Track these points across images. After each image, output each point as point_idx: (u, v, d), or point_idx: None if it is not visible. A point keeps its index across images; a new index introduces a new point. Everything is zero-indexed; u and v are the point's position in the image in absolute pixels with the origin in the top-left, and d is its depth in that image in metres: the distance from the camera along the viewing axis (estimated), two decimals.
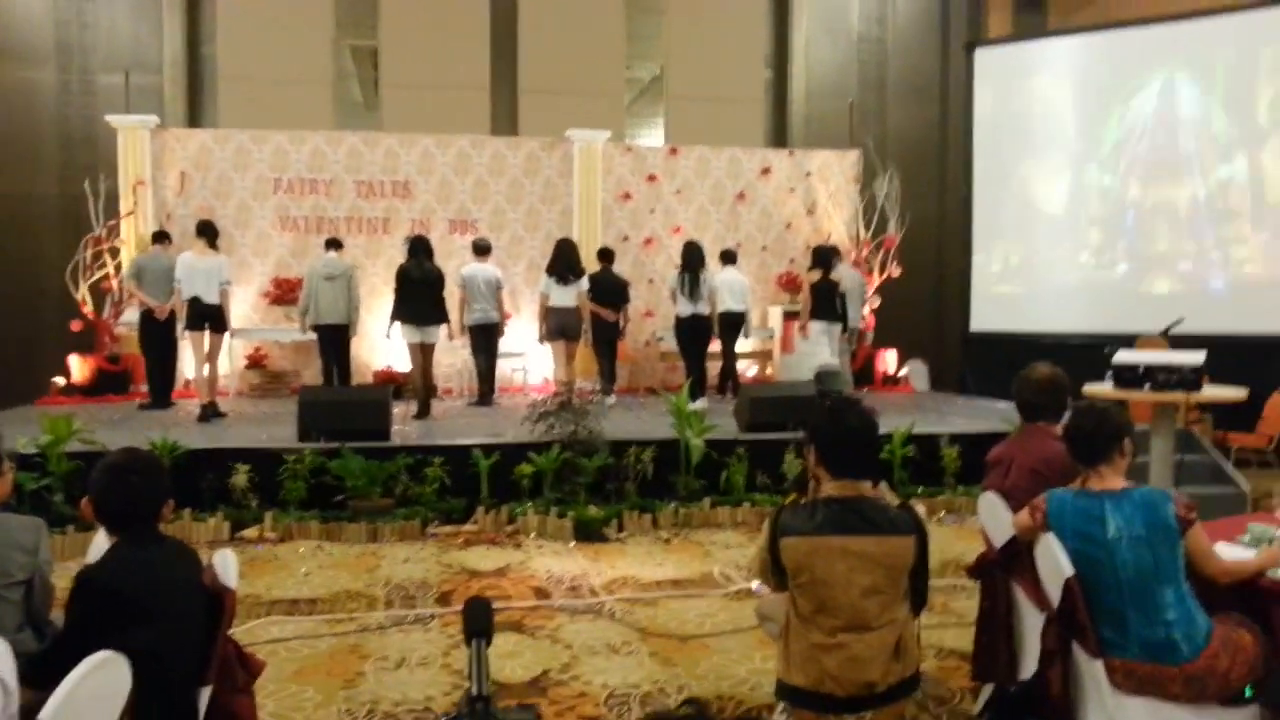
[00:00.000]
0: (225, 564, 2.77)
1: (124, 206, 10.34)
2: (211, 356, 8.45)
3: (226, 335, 8.70)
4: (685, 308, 9.41)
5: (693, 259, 9.44)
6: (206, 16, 12.17)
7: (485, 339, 9.38)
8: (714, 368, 10.16)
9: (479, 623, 1.78)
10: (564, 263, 9.22)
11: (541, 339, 9.40)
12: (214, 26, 12.06)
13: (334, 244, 9.09)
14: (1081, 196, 11.28)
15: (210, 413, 8.26)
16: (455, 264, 9.86)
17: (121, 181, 10.38)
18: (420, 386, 8.69)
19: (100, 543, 2.93)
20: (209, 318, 8.31)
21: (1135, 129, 10.87)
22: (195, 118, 12.15)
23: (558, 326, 9.19)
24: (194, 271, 8.27)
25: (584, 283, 9.24)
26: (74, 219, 10.88)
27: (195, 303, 8.25)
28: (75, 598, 2.51)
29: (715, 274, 9.66)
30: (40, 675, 2.23)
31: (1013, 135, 11.76)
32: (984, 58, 12.05)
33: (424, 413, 8.54)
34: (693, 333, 9.50)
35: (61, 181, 11.60)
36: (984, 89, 11.98)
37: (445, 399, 10.20)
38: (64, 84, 11.83)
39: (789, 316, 10.88)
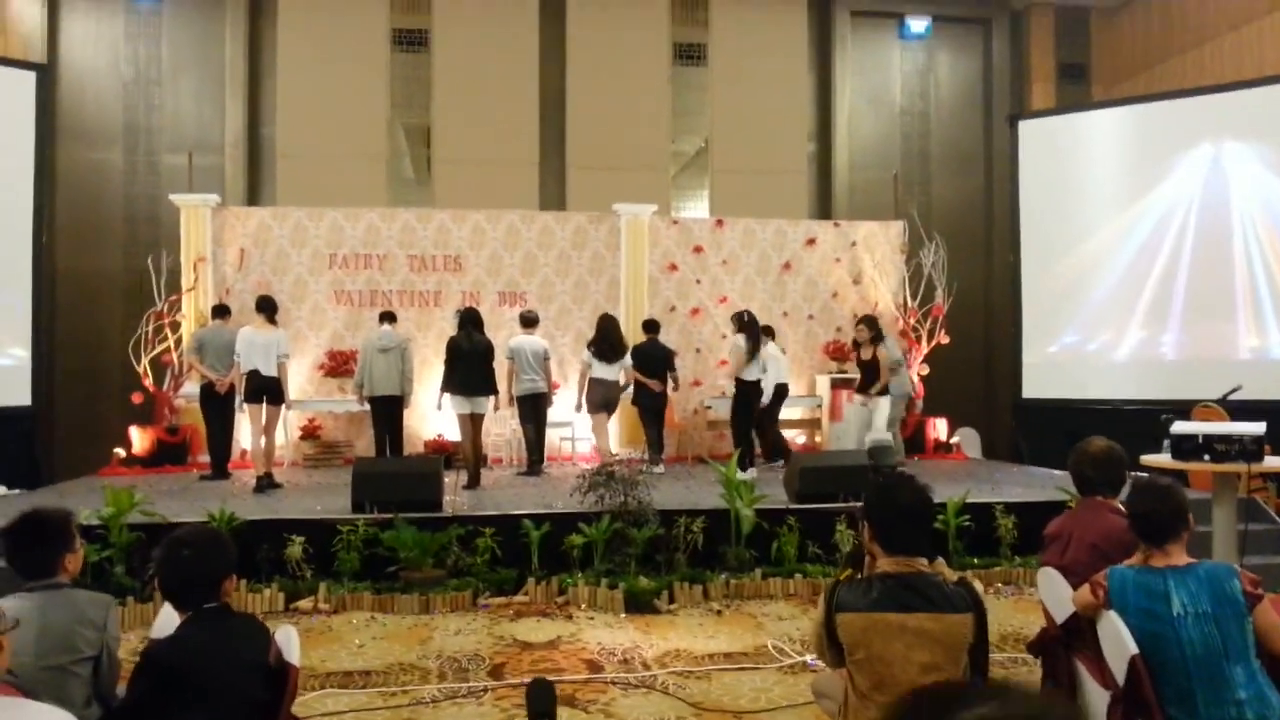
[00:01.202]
0: (288, 640, 2.81)
1: (185, 282, 10.65)
2: (269, 428, 8.60)
3: (284, 407, 8.86)
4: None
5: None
6: (267, 98, 12.63)
7: (533, 409, 9.49)
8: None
9: (542, 704, 1.80)
10: (607, 343, 9.38)
11: (579, 407, 9.54)
12: (274, 108, 12.52)
13: (388, 317, 9.30)
14: (1131, 264, 11.21)
15: (266, 483, 8.39)
16: (505, 335, 10.01)
17: (184, 258, 10.71)
18: (470, 456, 8.76)
19: (166, 615, 2.98)
20: (267, 390, 8.47)
21: (1184, 197, 10.82)
22: (254, 195, 12.54)
23: (601, 400, 9.32)
24: (253, 345, 8.46)
25: (627, 359, 9.41)
26: (137, 294, 11.28)
27: (254, 375, 8.42)
28: (138, 673, 2.55)
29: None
30: None
31: (1059, 205, 11.75)
32: (1028, 129, 12.13)
33: (474, 483, 8.60)
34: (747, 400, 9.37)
35: (126, 257, 12.05)
36: (1029, 160, 12.03)
37: (494, 468, 10.26)
38: (131, 164, 12.33)
39: (836, 385, 10.83)
